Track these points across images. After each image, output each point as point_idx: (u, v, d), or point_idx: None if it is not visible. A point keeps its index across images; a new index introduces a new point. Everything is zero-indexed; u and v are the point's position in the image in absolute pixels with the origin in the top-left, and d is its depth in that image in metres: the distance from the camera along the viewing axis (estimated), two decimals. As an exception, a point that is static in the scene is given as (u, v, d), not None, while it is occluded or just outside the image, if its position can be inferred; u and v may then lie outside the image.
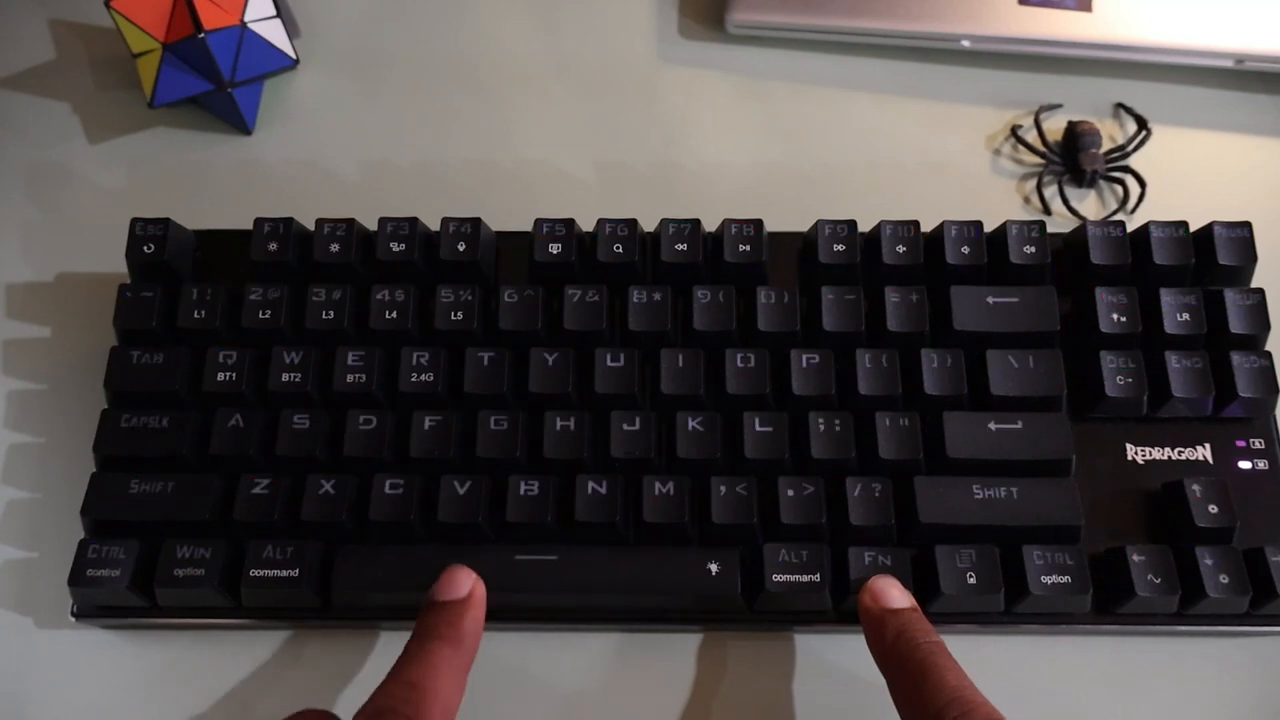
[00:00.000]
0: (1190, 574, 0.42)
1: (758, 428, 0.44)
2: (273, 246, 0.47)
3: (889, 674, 0.39)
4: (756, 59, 0.56)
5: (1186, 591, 0.42)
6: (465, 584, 0.41)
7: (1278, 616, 0.43)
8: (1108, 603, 0.43)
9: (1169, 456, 0.46)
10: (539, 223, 0.47)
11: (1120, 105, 0.55)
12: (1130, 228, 0.48)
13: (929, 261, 0.47)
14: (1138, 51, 0.53)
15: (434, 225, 0.48)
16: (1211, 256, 0.46)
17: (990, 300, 0.46)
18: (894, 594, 0.41)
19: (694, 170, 0.54)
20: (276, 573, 0.42)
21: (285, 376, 0.45)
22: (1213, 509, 0.43)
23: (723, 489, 0.43)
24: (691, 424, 0.44)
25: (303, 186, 0.53)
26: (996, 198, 0.53)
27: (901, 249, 0.47)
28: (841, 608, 0.43)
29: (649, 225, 0.48)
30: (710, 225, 0.48)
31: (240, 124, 0.54)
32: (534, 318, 0.46)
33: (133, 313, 0.46)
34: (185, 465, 0.44)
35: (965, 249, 0.47)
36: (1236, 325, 0.46)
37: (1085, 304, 0.46)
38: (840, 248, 0.47)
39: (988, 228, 0.47)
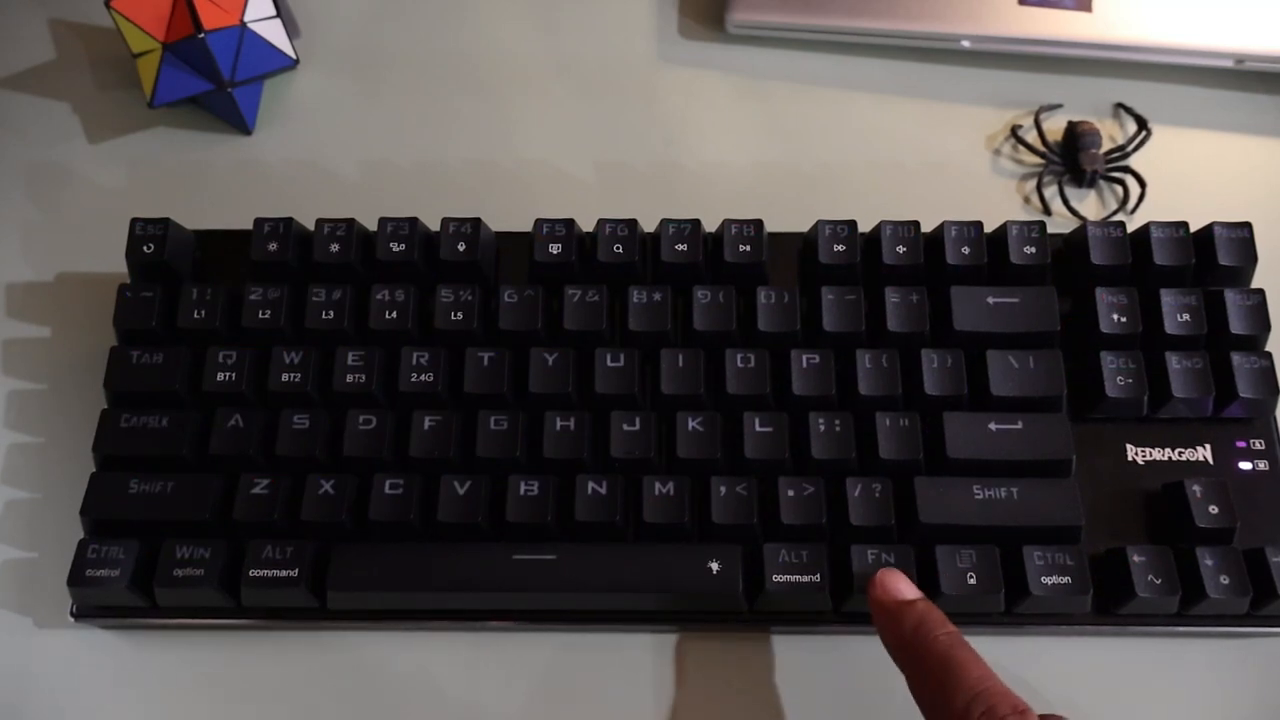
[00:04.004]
0: (1191, 574, 0.42)
1: (758, 428, 0.44)
2: (273, 246, 0.47)
3: (907, 668, 0.39)
4: (756, 59, 0.56)
5: (1187, 592, 0.42)
6: None
7: (1278, 617, 0.43)
8: (1108, 603, 0.43)
9: (1169, 457, 0.46)
10: (539, 223, 0.47)
11: (1120, 105, 0.55)
12: (1130, 228, 0.48)
13: (929, 262, 0.47)
14: (1138, 51, 0.53)
15: (434, 225, 0.48)
16: (1212, 257, 0.46)
17: (990, 300, 0.46)
18: (903, 586, 0.41)
19: (694, 170, 0.54)
20: (276, 573, 0.42)
21: (285, 376, 0.45)
22: (1213, 509, 0.43)
23: (723, 489, 0.43)
24: (691, 424, 0.44)
25: (303, 186, 0.53)
26: (996, 198, 0.53)
27: (901, 249, 0.47)
28: (842, 608, 0.43)
29: (649, 225, 0.48)
30: (710, 225, 0.48)
31: (240, 124, 0.54)
32: (534, 318, 0.46)
33: (133, 313, 0.46)
34: (185, 465, 0.44)
35: (965, 249, 0.47)
36: (1237, 326, 0.46)
37: (1085, 304, 0.46)
38: (840, 248, 0.47)
39: (988, 228, 0.47)
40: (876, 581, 0.41)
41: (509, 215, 0.49)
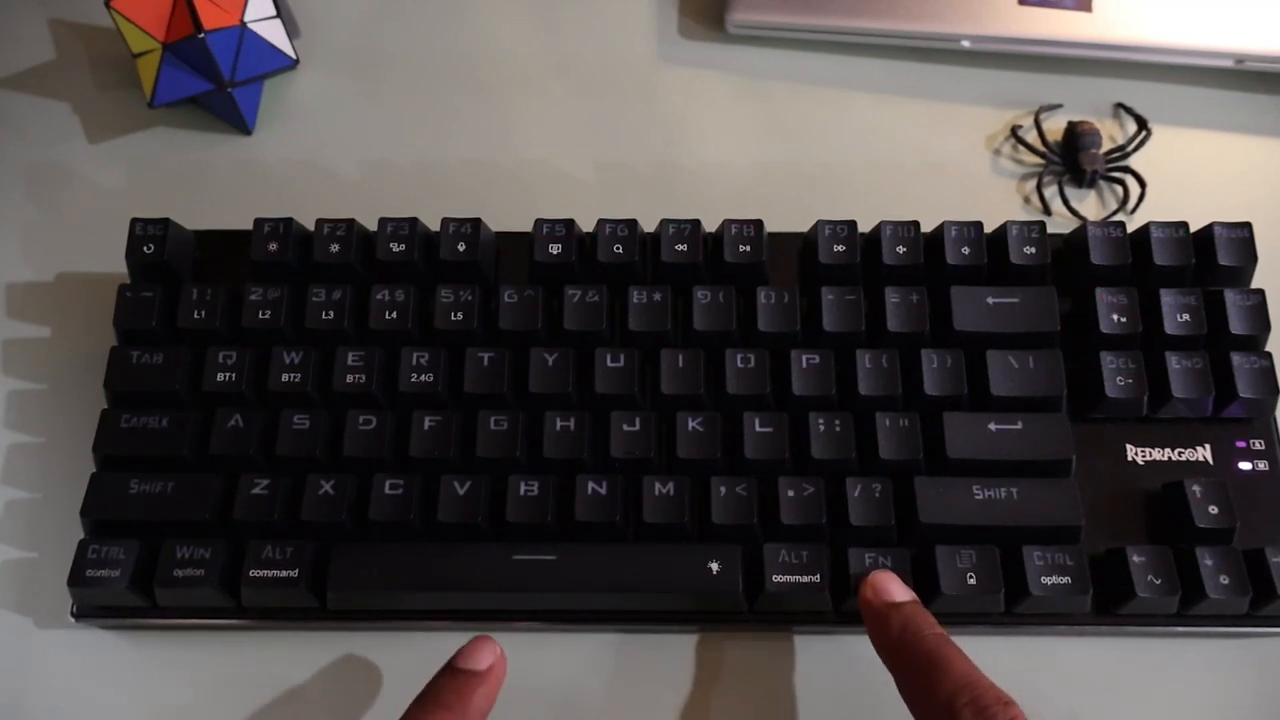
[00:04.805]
0: (1190, 575, 0.42)
1: (758, 428, 0.44)
2: (273, 246, 0.47)
3: (895, 668, 0.39)
4: (756, 59, 0.56)
5: (1187, 592, 0.42)
6: (487, 658, 0.40)
7: (1278, 617, 0.43)
8: (1108, 603, 0.43)
9: (1169, 457, 0.46)
10: (539, 223, 0.47)
11: (1120, 105, 0.55)
12: (1130, 228, 0.48)
13: (929, 262, 0.47)
14: (1138, 51, 0.53)
15: (434, 225, 0.48)
16: (1212, 257, 0.46)
17: (990, 300, 0.46)
18: (894, 588, 0.41)
19: (694, 170, 0.54)
20: (276, 573, 0.42)
21: (285, 376, 0.45)
22: (1213, 510, 0.43)
23: (723, 489, 0.43)
24: (691, 424, 0.44)
25: (303, 186, 0.53)
26: (996, 198, 0.53)
27: (901, 249, 0.47)
28: (842, 608, 0.43)
29: (649, 225, 0.48)
30: (710, 225, 0.48)
31: (240, 124, 0.54)
32: (534, 318, 0.46)
33: (133, 313, 0.46)
34: (185, 465, 0.44)
35: (965, 249, 0.47)
36: (1237, 326, 0.46)
37: (1085, 304, 0.46)
38: (840, 248, 0.47)
39: (988, 228, 0.47)
40: (868, 583, 0.41)
41: (509, 215, 0.49)
